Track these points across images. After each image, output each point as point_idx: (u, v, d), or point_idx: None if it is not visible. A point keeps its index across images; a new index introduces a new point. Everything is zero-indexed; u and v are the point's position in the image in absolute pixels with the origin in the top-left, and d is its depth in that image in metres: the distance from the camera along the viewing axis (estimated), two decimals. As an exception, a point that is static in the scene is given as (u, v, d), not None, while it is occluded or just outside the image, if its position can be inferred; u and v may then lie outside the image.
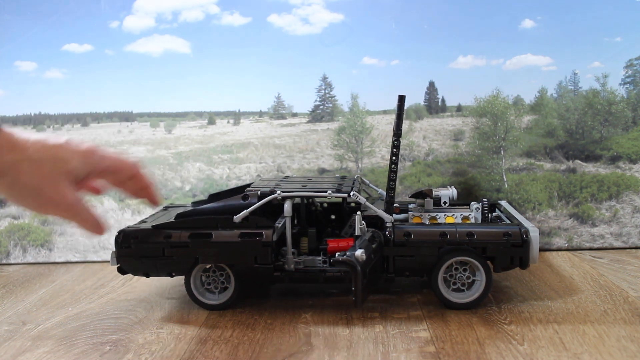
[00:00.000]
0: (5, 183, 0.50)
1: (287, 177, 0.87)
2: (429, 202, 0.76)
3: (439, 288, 0.68)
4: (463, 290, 0.68)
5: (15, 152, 0.50)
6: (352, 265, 0.58)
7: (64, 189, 0.52)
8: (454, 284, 0.68)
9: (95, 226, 0.54)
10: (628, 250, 0.95)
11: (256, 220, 0.69)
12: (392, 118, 0.70)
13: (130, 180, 0.59)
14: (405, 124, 1.01)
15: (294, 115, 1.05)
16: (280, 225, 0.69)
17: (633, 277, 0.80)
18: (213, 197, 0.80)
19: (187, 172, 1.03)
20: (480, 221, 0.76)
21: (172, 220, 0.71)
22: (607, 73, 0.96)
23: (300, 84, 1.03)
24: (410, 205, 0.78)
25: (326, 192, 0.68)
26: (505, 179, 0.99)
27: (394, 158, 0.70)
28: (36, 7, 0.99)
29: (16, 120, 1.06)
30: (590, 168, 0.98)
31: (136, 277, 0.85)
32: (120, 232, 0.71)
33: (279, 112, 1.05)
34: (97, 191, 0.59)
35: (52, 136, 0.52)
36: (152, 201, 0.56)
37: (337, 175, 0.98)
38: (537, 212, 0.98)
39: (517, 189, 0.98)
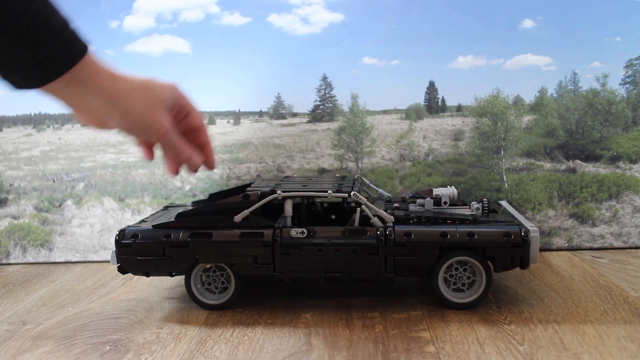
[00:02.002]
0: (121, 110, 0.54)
1: (287, 177, 0.87)
2: (429, 202, 0.76)
3: (439, 288, 0.68)
4: (463, 290, 0.68)
5: (125, 82, 0.54)
6: None
7: (162, 115, 0.56)
8: (454, 284, 0.68)
9: (189, 159, 0.56)
10: (628, 250, 0.95)
11: (256, 220, 0.69)
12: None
13: (195, 132, 0.61)
14: (405, 124, 1.02)
15: (294, 115, 1.05)
16: (281, 225, 0.69)
17: (633, 277, 0.80)
18: (213, 197, 0.80)
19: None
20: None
21: (173, 219, 0.71)
22: (607, 73, 0.96)
23: (300, 84, 1.03)
24: (411, 206, 0.78)
25: (326, 192, 0.68)
26: (505, 179, 0.99)
27: None
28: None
29: (16, 120, 1.06)
30: (590, 168, 0.98)
31: (136, 277, 0.85)
32: (120, 231, 0.71)
33: (279, 112, 1.05)
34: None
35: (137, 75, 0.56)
36: (209, 163, 0.58)
37: (337, 175, 0.98)
38: (537, 212, 0.98)
39: (517, 189, 0.98)
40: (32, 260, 1.01)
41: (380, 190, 0.84)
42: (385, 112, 1.02)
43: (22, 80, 0.51)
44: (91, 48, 0.54)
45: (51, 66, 0.50)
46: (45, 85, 0.50)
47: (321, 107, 1.03)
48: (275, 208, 0.72)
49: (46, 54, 0.49)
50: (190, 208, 0.78)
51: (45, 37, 0.49)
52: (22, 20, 0.47)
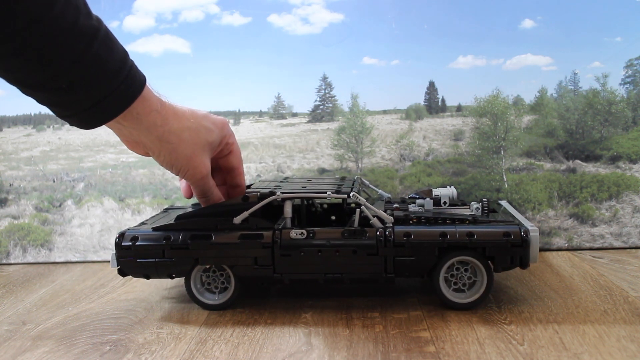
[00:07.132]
0: (169, 149, 0.55)
1: (286, 177, 0.87)
2: (428, 202, 0.76)
3: (440, 288, 0.68)
4: (464, 291, 0.68)
5: (178, 120, 0.54)
6: None
7: (205, 160, 0.59)
8: (455, 284, 0.68)
9: (213, 201, 0.66)
10: (628, 250, 0.95)
11: (256, 222, 0.69)
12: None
13: (230, 172, 0.66)
14: (405, 124, 1.02)
15: (294, 115, 1.05)
16: (281, 226, 0.69)
17: (633, 277, 0.80)
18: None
19: (187, 172, 1.03)
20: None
21: (172, 222, 0.71)
22: (607, 73, 0.96)
23: (300, 84, 1.03)
24: (410, 206, 0.78)
25: (326, 193, 0.68)
26: (505, 179, 0.99)
27: None
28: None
29: (16, 120, 1.06)
30: (590, 168, 0.98)
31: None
32: (120, 234, 0.71)
33: (279, 112, 1.05)
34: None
35: (193, 109, 0.59)
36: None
37: (337, 175, 0.98)
38: (537, 212, 0.98)
39: (517, 189, 0.98)
40: (32, 260, 1.01)
41: (380, 191, 0.84)
42: (385, 112, 1.02)
43: (77, 121, 0.48)
44: (147, 83, 0.51)
45: (106, 107, 0.47)
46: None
47: (321, 107, 1.03)
48: (276, 209, 0.72)
49: (102, 95, 0.45)
50: (190, 210, 0.78)
51: (103, 78, 0.45)
52: (81, 62, 0.43)
